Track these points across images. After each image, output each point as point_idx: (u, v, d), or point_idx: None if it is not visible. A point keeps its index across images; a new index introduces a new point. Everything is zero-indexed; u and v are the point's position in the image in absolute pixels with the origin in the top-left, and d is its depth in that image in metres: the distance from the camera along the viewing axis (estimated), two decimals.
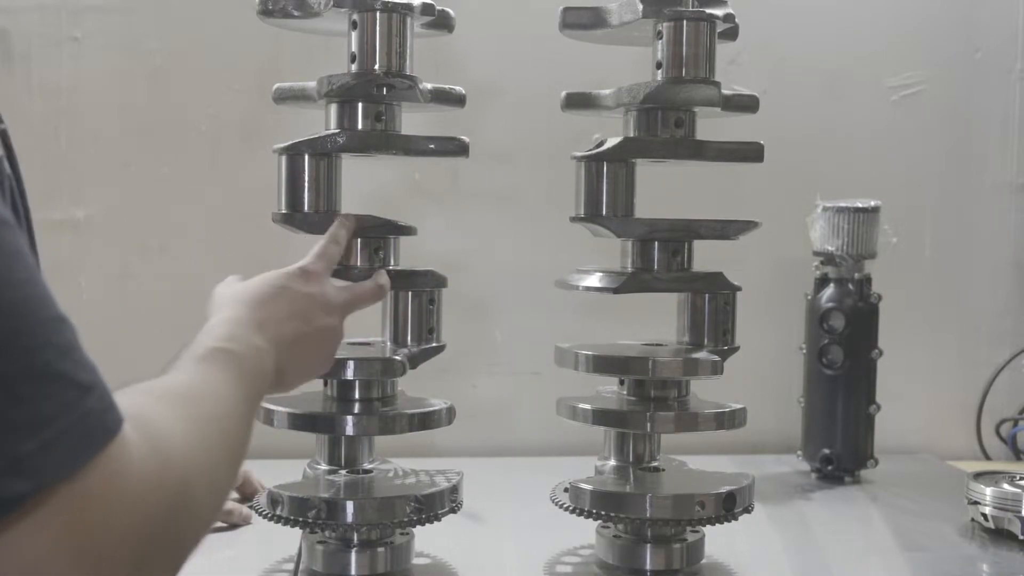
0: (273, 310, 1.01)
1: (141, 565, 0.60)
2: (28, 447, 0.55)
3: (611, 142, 1.20)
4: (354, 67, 1.16)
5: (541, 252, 1.79)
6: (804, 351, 1.71)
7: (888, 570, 1.32)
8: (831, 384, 1.67)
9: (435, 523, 1.16)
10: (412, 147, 1.19)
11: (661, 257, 1.22)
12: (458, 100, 1.23)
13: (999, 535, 1.37)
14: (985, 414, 1.95)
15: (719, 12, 1.20)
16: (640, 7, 1.18)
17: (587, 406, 1.23)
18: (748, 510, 1.22)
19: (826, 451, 1.67)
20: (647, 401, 1.25)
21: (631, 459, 1.25)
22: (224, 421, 0.78)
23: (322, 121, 1.20)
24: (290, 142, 1.16)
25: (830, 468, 1.67)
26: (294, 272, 1.07)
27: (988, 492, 1.37)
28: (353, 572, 1.17)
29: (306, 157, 1.16)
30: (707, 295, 1.24)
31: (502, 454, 1.80)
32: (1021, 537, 1.34)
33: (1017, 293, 1.97)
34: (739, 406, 1.23)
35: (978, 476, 1.42)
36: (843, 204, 1.65)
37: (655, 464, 1.26)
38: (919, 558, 1.33)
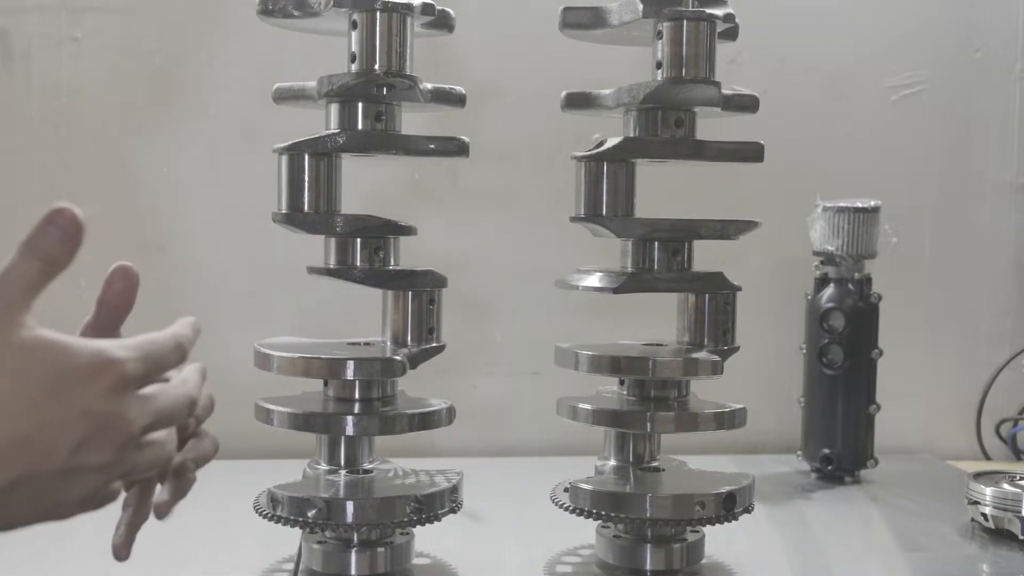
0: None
1: None
2: None
3: (611, 142, 1.20)
4: (354, 67, 1.16)
5: (541, 252, 1.79)
6: (804, 351, 1.71)
7: (888, 570, 1.32)
8: (831, 384, 1.67)
9: (435, 523, 1.16)
10: (412, 147, 1.19)
11: (661, 257, 1.22)
12: (458, 100, 1.22)
13: (999, 535, 1.37)
14: (985, 414, 1.95)
15: (719, 12, 1.20)
16: (640, 7, 1.18)
17: (587, 406, 1.23)
18: (748, 510, 1.22)
19: (826, 451, 1.67)
20: (647, 401, 1.25)
21: (631, 459, 1.25)
22: None
23: (322, 121, 1.20)
24: (290, 142, 1.16)
25: (830, 468, 1.67)
26: (91, 366, 0.72)
27: (988, 492, 1.37)
28: (353, 572, 1.17)
29: (306, 157, 1.16)
30: (707, 295, 1.24)
31: (502, 454, 1.80)
32: (1021, 537, 1.34)
33: (1017, 293, 1.97)
34: (739, 406, 1.23)
35: (978, 476, 1.42)
36: (843, 204, 1.64)
37: (655, 464, 1.26)
38: (919, 558, 1.33)
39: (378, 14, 1.15)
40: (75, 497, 0.75)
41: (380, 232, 1.19)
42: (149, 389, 0.77)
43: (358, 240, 1.18)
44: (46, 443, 0.70)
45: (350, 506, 1.12)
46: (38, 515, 0.75)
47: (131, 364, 0.74)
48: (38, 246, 0.73)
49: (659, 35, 1.20)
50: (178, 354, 0.79)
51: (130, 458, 0.76)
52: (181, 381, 0.81)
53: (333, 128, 1.18)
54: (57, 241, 0.73)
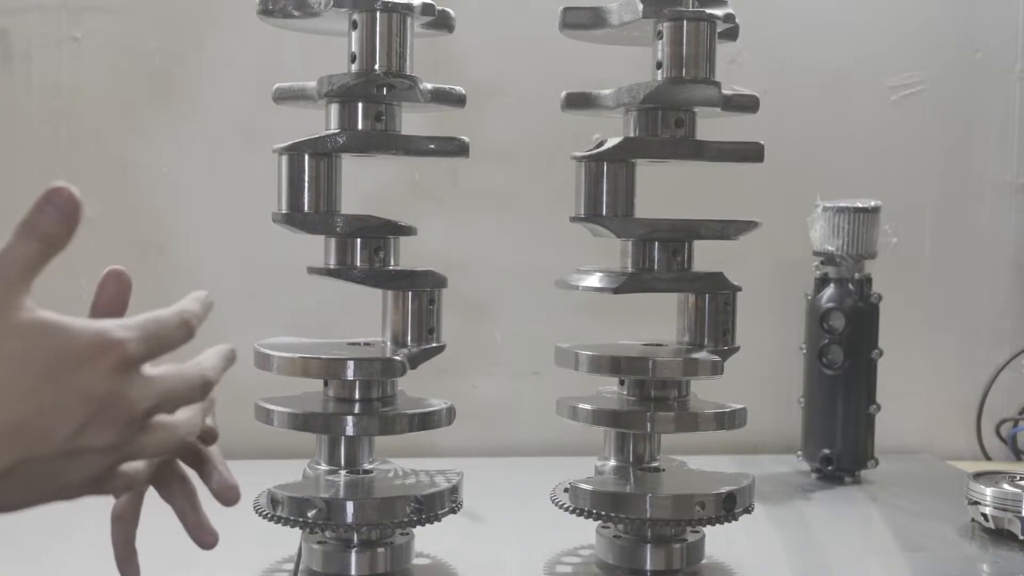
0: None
1: None
2: None
3: (611, 142, 1.20)
4: (354, 67, 1.16)
5: (541, 252, 1.79)
6: (804, 351, 1.71)
7: (888, 570, 1.32)
8: (831, 384, 1.67)
9: (435, 523, 1.16)
10: (412, 147, 1.19)
11: (661, 257, 1.22)
12: (458, 100, 1.22)
13: (999, 535, 1.37)
14: (985, 414, 1.95)
15: (719, 12, 1.20)
16: (640, 7, 1.18)
17: (587, 406, 1.23)
18: (748, 510, 1.22)
19: (826, 451, 1.67)
20: (647, 401, 1.25)
21: (631, 459, 1.25)
22: None
23: (322, 121, 1.20)
24: (290, 142, 1.16)
25: (830, 468, 1.67)
26: (91, 347, 0.71)
27: (988, 492, 1.37)
28: (353, 572, 1.17)
29: (306, 157, 1.16)
30: (707, 295, 1.24)
31: (502, 454, 1.80)
32: (1021, 537, 1.34)
33: (1017, 293, 1.97)
34: (739, 406, 1.23)
35: (978, 476, 1.42)
36: (843, 204, 1.64)
37: (655, 464, 1.26)
38: (919, 558, 1.33)
39: (378, 14, 1.15)
40: (78, 479, 0.74)
41: (380, 232, 1.19)
42: (157, 370, 0.75)
43: (358, 240, 1.18)
44: (45, 427, 0.69)
45: (350, 506, 1.12)
46: (40, 497, 0.74)
47: (133, 344, 0.72)
48: (36, 226, 0.72)
49: (659, 35, 1.20)
50: (184, 331, 0.77)
51: (135, 440, 0.74)
52: (195, 362, 0.79)
53: (333, 128, 1.18)
54: (55, 220, 0.72)
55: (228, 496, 0.87)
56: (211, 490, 0.88)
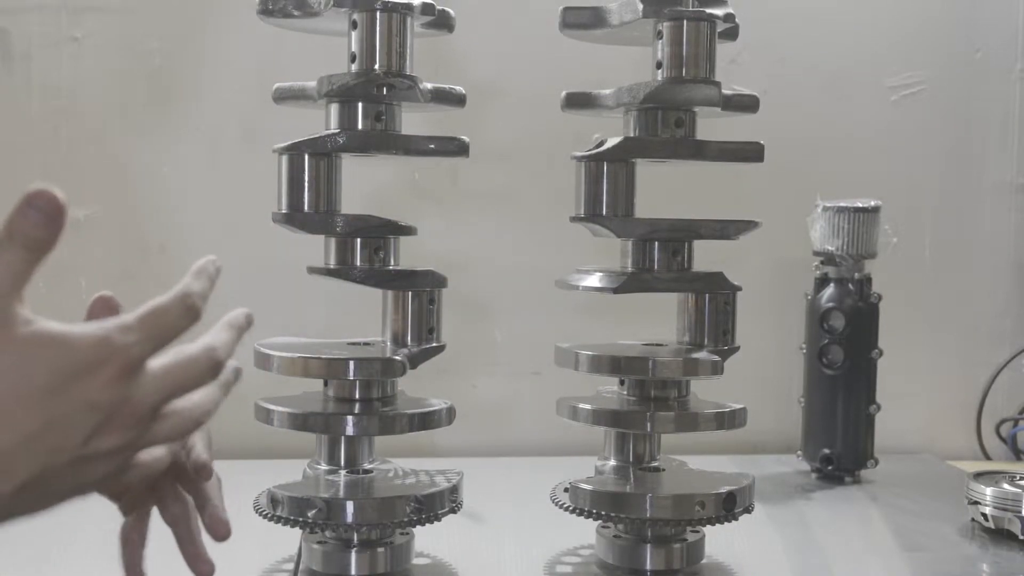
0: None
1: None
2: None
3: (611, 142, 1.20)
4: (354, 67, 1.16)
5: (541, 252, 1.79)
6: (804, 351, 1.71)
7: (888, 570, 1.32)
8: (831, 384, 1.67)
9: (435, 523, 1.16)
10: (412, 147, 1.19)
11: (661, 257, 1.22)
12: (458, 100, 1.22)
13: (999, 535, 1.37)
14: (985, 414, 1.95)
15: (719, 12, 1.20)
16: (640, 7, 1.18)
17: (587, 406, 1.23)
18: (748, 510, 1.22)
19: (826, 451, 1.67)
20: (647, 401, 1.25)
21: (631, 459, 1.25)
22: None
23: (322, 121, 1.20)
24: (290, 142, 1.16)
25: (830, 468, 1.67)
26: (93, 356, 0.69)
27: (988, 492, 1.37)
28: (353, 572, 1.17)
29: (306, 157, 1.16)
30: (707, 295, 1.24)
31: (502, 454, 1.80)
32: (1021, 537, 1.34)
33: (1017, 293, 1.97)
34: (739, 406, 1.23)
35: (978, 476, 1.42)
36: (843, 204, 1.64)
37: (655, 464, 1.26)
38: (919, 558, 1.33)
39: (378, 14, 1.15)
40: (94, 478, 0.73)
41: (380, 232, 1.19)
42: (162, 361, 0.73)
43: (358, 240, 1.18)
44: (54, 441, 0.68)
45: (350, 506, 1.12)
46: (59, 499, 0.74)
47: (135, 348, 0.70)
48: (20, 231, 0.68)
49: (659, 35, 1.20)
50: (189, 317, 0.73)
51: (148, 433, 0.73)
52: (203, 341, 0.76)
53: (333, 128, 1.18)
54: (38, 224, 0.68)
55: (219, 532, 0.88)
56: (203, 523, 0.88)
